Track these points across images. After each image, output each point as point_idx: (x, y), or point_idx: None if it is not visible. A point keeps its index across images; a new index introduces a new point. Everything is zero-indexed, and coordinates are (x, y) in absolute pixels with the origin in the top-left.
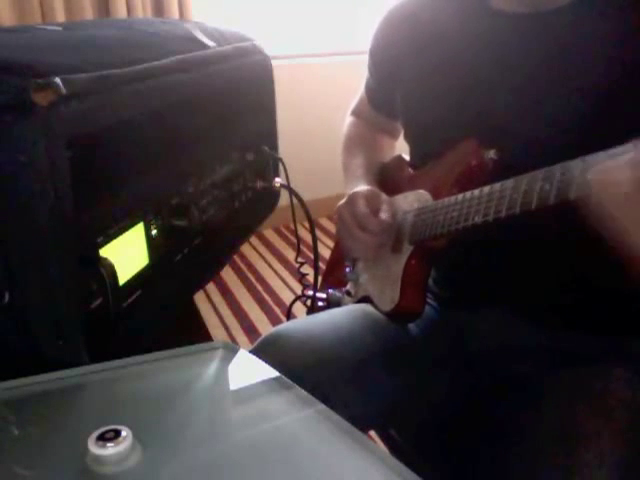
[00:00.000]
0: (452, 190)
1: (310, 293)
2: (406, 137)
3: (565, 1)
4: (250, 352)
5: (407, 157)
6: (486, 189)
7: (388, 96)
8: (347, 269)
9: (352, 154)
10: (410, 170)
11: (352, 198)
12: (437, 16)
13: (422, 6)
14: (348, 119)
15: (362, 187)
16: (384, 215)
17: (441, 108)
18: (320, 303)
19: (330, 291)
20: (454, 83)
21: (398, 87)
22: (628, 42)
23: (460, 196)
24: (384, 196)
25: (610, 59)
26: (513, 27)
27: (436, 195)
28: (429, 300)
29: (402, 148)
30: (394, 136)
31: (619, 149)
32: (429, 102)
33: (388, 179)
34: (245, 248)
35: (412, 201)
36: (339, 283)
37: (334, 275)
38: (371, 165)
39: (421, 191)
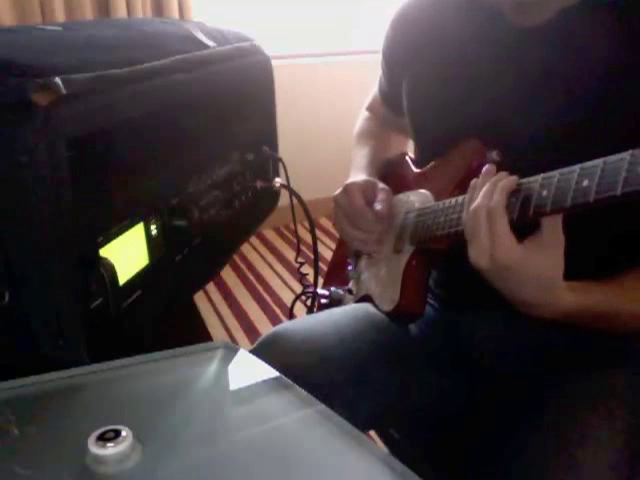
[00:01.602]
0: (454, 191)
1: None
2: (412, 138)
3: (571, 2)
4: (250, 352)
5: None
6: None
7: (397, 96)
8: (349, 266)
9: (359, 146)
10: (413, 168)
11: (348, 189)
12: (440, 17)
13: (427, 6)
14: (362, 114)
15: (360, 177)
16: (379, 206)
17: (442, 107)
18: (323, 300)
19: (332, 289)
20: (455, 82)
21: (404, 86)
22: (628, 44)
23: (460, 198)
24: (381, 185)
25: (610, 61)
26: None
27: (438, 196)
28: (429, 300)
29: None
30: (406, 133)
31: (615, 157)
32: (431, 101)
33: (391, 175)
34: (245, 248)
35: (414, 201)
36: (341, 284)
37: (336, 276)
38: (376, 158)
39: (423, 191)
